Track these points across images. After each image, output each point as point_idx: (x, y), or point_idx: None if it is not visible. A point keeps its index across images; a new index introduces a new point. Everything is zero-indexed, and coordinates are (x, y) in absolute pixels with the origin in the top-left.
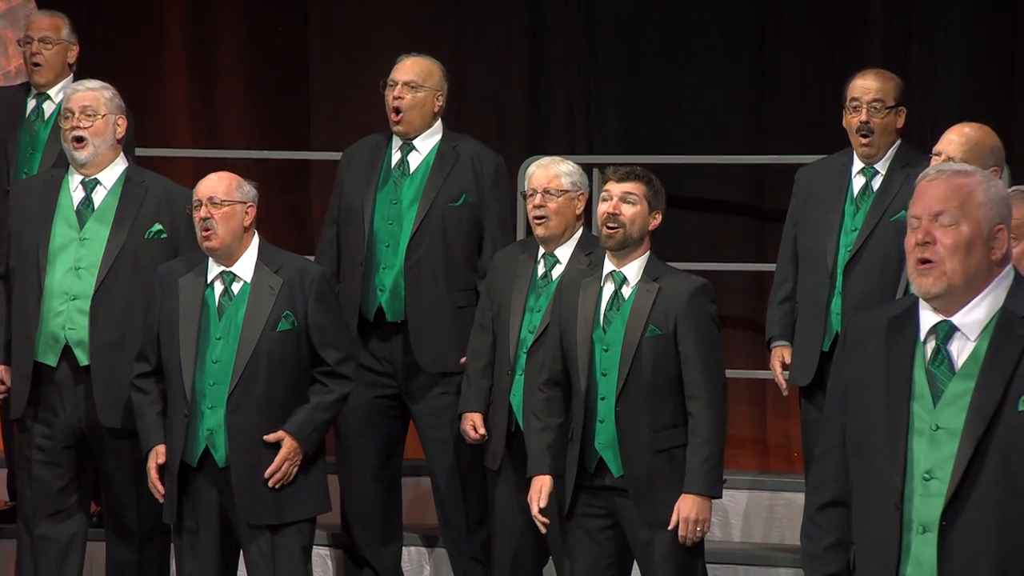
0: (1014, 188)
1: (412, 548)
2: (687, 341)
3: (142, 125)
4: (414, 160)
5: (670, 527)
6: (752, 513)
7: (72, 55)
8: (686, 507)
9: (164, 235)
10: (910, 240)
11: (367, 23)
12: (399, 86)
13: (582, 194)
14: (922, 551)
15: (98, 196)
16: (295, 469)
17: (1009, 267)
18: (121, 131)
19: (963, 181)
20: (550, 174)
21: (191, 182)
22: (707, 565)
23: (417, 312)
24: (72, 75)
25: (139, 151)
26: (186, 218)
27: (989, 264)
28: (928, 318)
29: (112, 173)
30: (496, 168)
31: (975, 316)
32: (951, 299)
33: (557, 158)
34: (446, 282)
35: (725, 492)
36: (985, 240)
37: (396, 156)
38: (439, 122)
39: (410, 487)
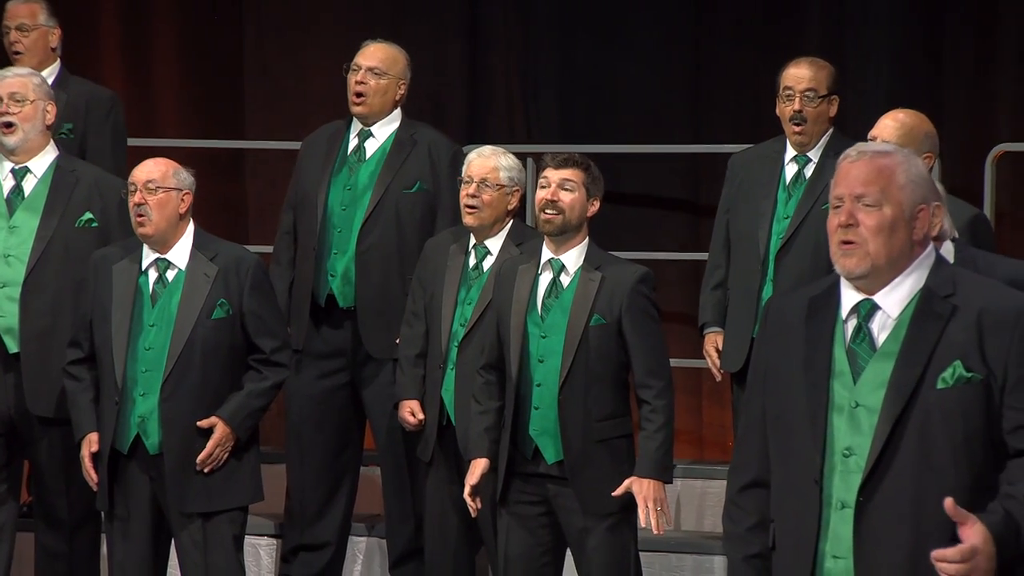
0: None
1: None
2: (635, 331)
3: None
4: (371, 146)
5: (616, 493)
6: (685, 501)
7: (54, 39)
8: (645, 488)
9: (95, 224)
10: (832, 221)
11: (302, 12)
12: (362, 71)
13: (517, 190)
14: (840, 527)
15: (28, 184)
16: (226, 455)
17: (931, 247)
18: (51, 117)
19: (885, 162)
20: (489, 165)
21: (125, 171)
22: (640, 553)
23: (367, 298)
24: (59, 59)
25: None
26: (117, 206)
27: (911, 244)
28: (850, 297)
29: (43, 161)
30: (452, 157)
31: (897, 295)
32: (874, 279)
33: (500, 150)
34: (398, 269)
35: None
36: (907, 221)
37: (353, 142)
38: (398, 110)
39: None
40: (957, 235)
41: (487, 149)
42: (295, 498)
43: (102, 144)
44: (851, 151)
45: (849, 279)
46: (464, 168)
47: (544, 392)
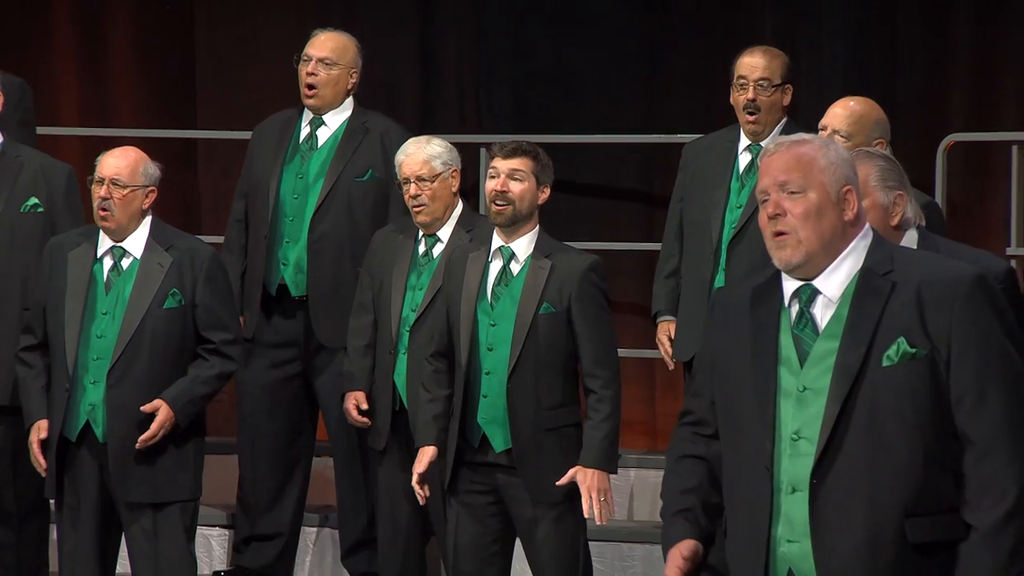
0: (857, 149)
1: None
2: (583, 319)
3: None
4: (323, 134)
5: (560, 483)
6: (638, 492)
7: None
8: (589, 478)
9: (40, 209)
10: (762, 216)
11: (254, 1)
12: (313, 62)
13: (455, 171)
14: (792, 511)
15: None
16: (163, 433)
17: (867, 227)
18: None
19: (802, 150)
20: (420, 159)
21: (78, 160)
22: (591, 542)
23: (319, 287)
24: None
25: None
26: (64, 191)
27: (843, 226)
28: (791, 284)
29: None
30: None
31: (836, 278)
32: (811, 266)
33: (423, 139)
34: (350, 257)
35: None
36: (835, 203)
37: (305, 130)
38: (351, 98)
39: None
40: (924, 223)
41: (411, 145)
42: (247, 488)
43: (11, 134)
44: (768, 145)
45: (787, 271)
46: (397, 171)
47: (493, 380)
